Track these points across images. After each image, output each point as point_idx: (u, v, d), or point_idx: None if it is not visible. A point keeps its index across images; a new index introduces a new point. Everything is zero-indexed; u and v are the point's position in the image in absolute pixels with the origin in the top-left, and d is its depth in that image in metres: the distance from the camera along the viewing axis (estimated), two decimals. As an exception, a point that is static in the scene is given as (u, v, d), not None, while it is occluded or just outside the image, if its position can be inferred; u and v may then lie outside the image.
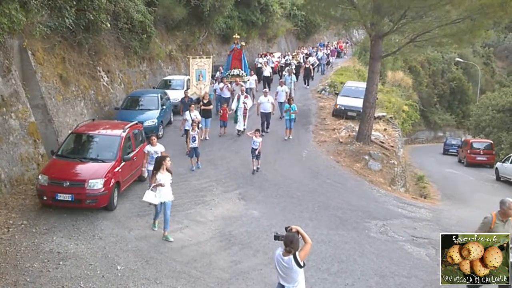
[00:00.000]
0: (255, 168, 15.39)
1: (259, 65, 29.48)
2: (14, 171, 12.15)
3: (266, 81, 28.01)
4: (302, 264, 6.05)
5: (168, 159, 10.32)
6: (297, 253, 6.04)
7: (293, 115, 19.11)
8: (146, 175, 12.33)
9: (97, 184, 10.91)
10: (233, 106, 19.77)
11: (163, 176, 10.03)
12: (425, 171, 27.73)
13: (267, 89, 21.35)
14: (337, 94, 26.25)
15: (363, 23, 18.81)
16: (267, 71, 28.60)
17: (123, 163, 11.94)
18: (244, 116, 19.24)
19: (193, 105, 16.66)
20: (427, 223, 13.37)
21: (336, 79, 31.42)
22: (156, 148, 12.01)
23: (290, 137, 19.44)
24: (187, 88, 21.27)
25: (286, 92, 21.95)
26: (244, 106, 19.22)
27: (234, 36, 25.23)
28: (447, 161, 35.03)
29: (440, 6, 16.76)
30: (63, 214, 10.88)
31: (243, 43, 25.00)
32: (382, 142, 20.21)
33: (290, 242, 6.07)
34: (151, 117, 17.85)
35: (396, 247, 11.26)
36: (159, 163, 10.10)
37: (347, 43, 53.03)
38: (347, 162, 18.02)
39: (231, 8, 31.73)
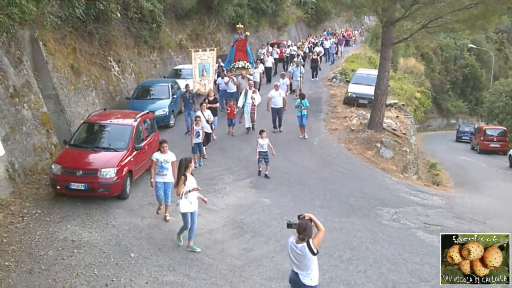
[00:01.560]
0: (261, 169, 14.19)
1: (262, 57, 27.95)
2: (28, 161, 12.27)
3: (267, 73, 26.58)
4: (315, 251, 6.06)
5: (192, 163, 9.40)
6: (310, 240, 6.04)
7: (304, 111, 17.73)
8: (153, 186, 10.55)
9: (109, 173, 10.98)
10: (240, 102, 17.91)
11: (191, 181, 9.08)
12: (437, 158, 27.55)
13: (278, 82, 19.58)
14: (348, 81, 26.12)
15: (374, 9, 18.66)
16: (269, 62, 27.09)
17: (135, 152, 11.98)
18: (252, 113, 17.79)
19: (204, 104, 15.29)
20: (440, 210, 13.31)
21: (347, 67, 31.19)
22: (167, 157, 10.34)
23: (306, 136, 18.14)
24: (186, 84, 18.96)
25: (287, 85, 20.71)
26: (253, 102, 17.70)
27: (237, 25, 23.00)
28: (460, 148, 34.73)
29: (453, -9, 16.54)
30: (76, 203, 10.98)
31: (247, 33, 23.11)
32: (394, 130, 20.08)
33: (303, 229, 6.07)
34: (162, 107, 17.86)
35: (408, 234, 11.23)
36: (185, 167, 9.00)
37: (356, 30, 52.33)
38: (359, 150, 17.95)
39: (241, -4, 31.62)
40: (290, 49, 32.50)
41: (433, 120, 51.57)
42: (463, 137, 39.11)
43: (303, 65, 25.23)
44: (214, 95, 17.58)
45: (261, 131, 14.17)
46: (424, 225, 11.85)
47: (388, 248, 10.27)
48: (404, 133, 20.43)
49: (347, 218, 11.78)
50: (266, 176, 14.01)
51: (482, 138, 30.33)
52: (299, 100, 17.83)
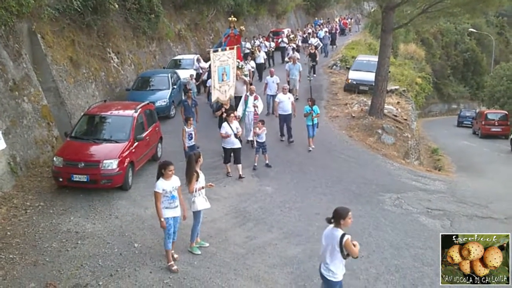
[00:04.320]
0: (256, 163, 13.55)
1: (247, 51, 25.06)
2: (29, 154, 12.29)
3: (259, 69, 24.15)
4: (345, 253, 6.20)
5: (201, 157, 8.81)
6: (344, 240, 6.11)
7: (316, 120, 15.52)
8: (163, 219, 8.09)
9: (111, 164, 10.99)
10: (239, 111, 15.15)
11: (201, 176, 8.66)
12: (439, 143, 27.54)
13: (286, 85, 17.17)
14: (348, 68, 26.01)
15: (373, -6, 18.49)
16: (260, 57, 24.38)
17: (136, 143, 11.99)
18: (255, 123, 14.45)
19: (233, 115, 12.95)
20: (442, 195, 13.32)
21: (347, 53, 31.06)
22: (174, 183, 8.05)
23: (313, 146, 15.81)
24: (189, 89, 16.79)
25: (278, 84, 18.15)
26: (255, 110, 15.06)
27: (229, 18, 19.61)
28: (462, 133, 34.70)
29: (453, -26, 16.42)
30: (79, 194, 11.01)
31: (242, 27, 20.24)
32: (395, 116, 20.06)
33: (337, 213, 6.30)
34: (162, 97, 17.83)
35: (411, 219, 11.26)
36: (196, 161, 8.48)
37: (349, 18, 51.04)
38: (360, 136, 17.94)
39: (239, -16, 31.38)
40: (281, 41, 30.16)
41: (434, 106, 51.47)
42: (465, 122, 39.08)
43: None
44: (227, 103, 14.95)
45: (228, 113, 13.07)
46: (426, 210, 11.87)
47: (390, 233, 10.30)
48: (405, 119, 20.40)
49: (350, 205, 11.64)
50: (267, 165, 13.85)
51: (483, 123, 30.29)
52: (308, 106, 15.37)
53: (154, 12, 21.65)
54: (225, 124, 12.81)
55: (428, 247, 9.67)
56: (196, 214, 8.68)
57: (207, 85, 17.95)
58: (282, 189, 12.45)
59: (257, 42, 28.09)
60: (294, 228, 10.20)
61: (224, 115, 13.78)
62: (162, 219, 7.91)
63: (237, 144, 12.85)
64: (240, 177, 12.84)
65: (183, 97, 17.21)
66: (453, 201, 12.81)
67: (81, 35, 16.96)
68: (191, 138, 12.94)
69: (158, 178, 7.98)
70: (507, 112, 30.76)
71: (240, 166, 12.97)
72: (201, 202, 8.56)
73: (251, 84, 16.95)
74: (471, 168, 19.75)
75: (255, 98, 15.34)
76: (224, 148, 12.98)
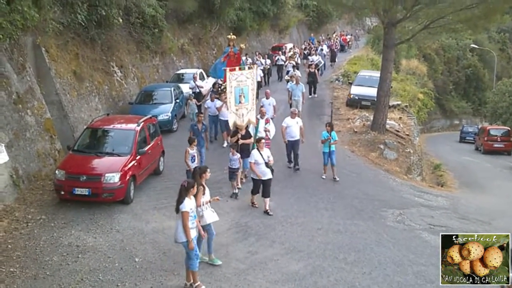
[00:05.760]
0: (236, 190, 12.43)
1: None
2: (32, 167, 12.29)
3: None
4: None
5: (208, 170, 8.83)
6: None
7: (333, 147, 14.40)
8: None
9: (113, 178, 10.98)
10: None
11: (207, 190, 8.68)
12: (441, 159, 27.48)
13: (295, 109, 16.05)
14: (350, 83, 26.08)
15: (375, 10, 18.68)
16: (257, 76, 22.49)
17: (138, 157, 11.99)
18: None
19: (262, 142, 11.85)
20: (445, 211, 13.28)
21: (349, 69, 31.17)
22: (194, 202, 7.99)
23: (337, 178, 14.55)
24: (199, 113, 15.46)
25: (274, 106, 17.16)
26: (267, 135, 13.73)
27: (228, 36, 18.42)
28: (464, 148, 34.64)
29: (454, -9, 16.55)
30: (80, 208, 10.98)
31: (242, 45, 18.90)
32: (397, 131, 20.07)
33: None
34: (165, 111, 17.88)
35: (413, 236, 11.20)
36: (200, 176, 8.50)
37: (351, 35, 50.43)
38: (362, 151, 17.93)
39: (242, -1, 31.64)
40: (278, 58, 29.65)
41: (436, 121, 51.47)
42: (467, 138, 39.02)
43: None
44: (243, 128, 13.48)
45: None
46: (429, 226, 11.81)
47: (393, 249, 10.24)
48: (408, 134, 20.40)
49: (352, 220, 11.74)
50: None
51: (486, 139, 30.26)
52: (326, 132, 14.42)
53: (157, 27, 21.83)
54: (254, 151, 11.67)
55: (430, 264, 9.59)
56: (207, 228, 8.67)
57: (206, 106, 17.10)
58: (283, 204, 12.40)
59: (250, 60, 26.74)
60: (295, 244, 10.14)
61: (240, 141, 12.91)
62: (191, 239, 7.68)
63: (268, 175, 11.56)
64: (267, 212, 11.55)
65: (193, 121, 16.24)
66: (456, 218, 12.76)
67: (85, 48, 17.08)
68: (194, 160, 12.15)
69: (182, 198, 7.69)
70: (509, 128, 30.73)
71: (268, 200, 11.68)
72: (209, 215, 8.58)
73: (261, 106, 15.84)
74: (473, 184, 19.70)
75: (267, 122, 14.25)
76: (253, 179, 11.80)
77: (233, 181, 12.55)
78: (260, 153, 11.50)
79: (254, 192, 11.87)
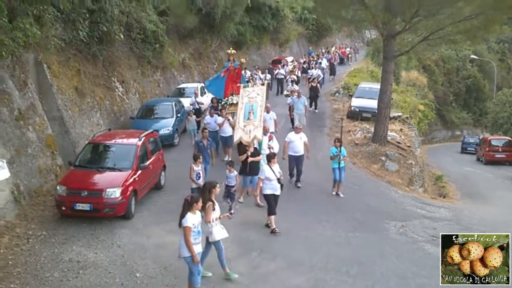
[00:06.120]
0: (233, 211, 11.58)
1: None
2: (33, 182, 12.30)
3: None
4: None
5: (218, 186, 8.80)
6: None
7: (343, 163, 14.19)
8: None
9: (114, 193, 10.98)
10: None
11: (217, 206, 8.59)
12: (443, 170, 27.39)
13: (300, 123, 15.88)
14: (351, 95, 26.12)
15: (374, 23, 18.77)
16: None
17: (139, 172, 11.99)
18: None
19: (274, 159, 11.52)
20: (447, 223, 13.22)
21: (349, 81, 31.26)
22: (198, 218, 8.01)
23: (340, 194, 14.34)
24: (204, 129, 14.89)
25: (275, 120, 16.83)
26: (270, 152, 12.96)
27: (228, 51, 18.03)
28: (465, 159, 34.57)
29: (453, 3, 16.66)
30: (81, 223, 10.97)
31: (242, 60, 18.89)
32: (399, 143, 20.05)
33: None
34: (166, 125, 17.95)
35: (416, 248, 11.14)
36: (209, 191, 8.49)
37: (350, 47, 50.16)
38: (364, 163, 17.91)
39: (242, 14, 31.81)
40: (278, 72, 29.54)
41: (437, 132, 51.46)
42: (468, 149, 38.96)
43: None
44: (251, 145, 13.03)
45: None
46: (431, 238, 11.73)
47: (395, 262, 10.18)
48: (409, 146, 20.39)
49: (354, 233, 11.69)
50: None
51: (487, 149, 30.22)
52: (335, 148, 14.11)
53: (158, 42, 22.00)
54: (266, 167, 11.37)
55: (433, 276, 9.47)
56: (216, 243, 8.64)
57: (205, 121, 16.78)
58: (286, 217, 12.30)
59: (248, 73, 26.56)
60: (297, 257, 10.09)
61: (250, 159, 12.53)
62: (195, 254, 7.67)
63: (278, 191, 11.32)
64: (273, 231, 11.13)
65: (198, 137, 16.13)
66: (459, 229, 12.68)
67: (86, 64, 17.19)
68: (199, 177, 11.89)
69: (184, 212, 7.71)
70: (511, 138, 30.72)
71: (273, 218, 11.26)
72: (218, 232, 8.51)
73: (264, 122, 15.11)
74: (475, 195, 19.63)
75: (270, 138, 14.01)
76: (265, 195, 11.31)
77: (231, 202, 11.93)
78: (272, 169, 11.25)
79: (271, 212, 11.24)
